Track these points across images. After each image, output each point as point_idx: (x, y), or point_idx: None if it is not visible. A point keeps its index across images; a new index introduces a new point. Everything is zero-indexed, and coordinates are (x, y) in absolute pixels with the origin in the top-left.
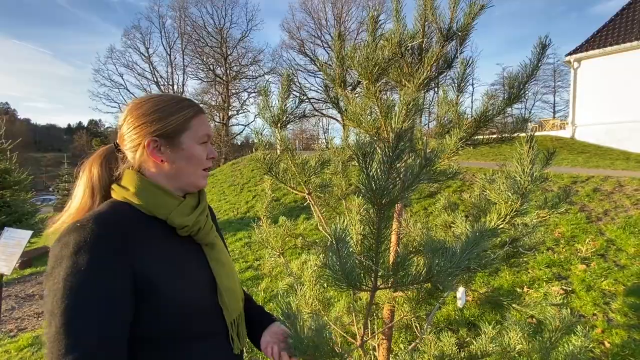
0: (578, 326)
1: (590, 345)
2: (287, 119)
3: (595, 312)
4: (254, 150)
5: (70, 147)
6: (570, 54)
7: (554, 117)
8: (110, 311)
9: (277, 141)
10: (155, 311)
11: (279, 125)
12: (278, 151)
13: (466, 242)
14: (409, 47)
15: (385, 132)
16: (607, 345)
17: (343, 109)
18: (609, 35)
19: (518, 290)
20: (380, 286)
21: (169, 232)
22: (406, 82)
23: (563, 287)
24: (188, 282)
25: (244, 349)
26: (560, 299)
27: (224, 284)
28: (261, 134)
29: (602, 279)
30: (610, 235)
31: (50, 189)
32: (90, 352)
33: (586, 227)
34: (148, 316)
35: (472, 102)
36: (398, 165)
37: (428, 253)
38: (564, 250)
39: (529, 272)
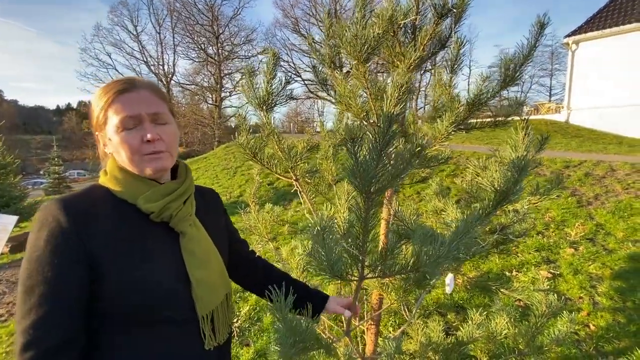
0: (564, 312)
1: (575, 329)
2: (274, 101)
3: (581, 295)
4: (236, 134)
5: (59, 129)
6: (568, 35)
7: (549, 101)
8: (61, 284)
9: (264, 124)
10: (109, 292)
11: (264, 107)
12: (262, 134)
13: (456, 231)
14: (401, 25)
15: (374, 115)
16: (592, 328)
17: (332, 91)
18: (609, 16)
19: (507, 274)
20: (368, 275)
21: (142, 218)
22: (398, 63)
23: (551, 270)
24: (146, 270)
25: (233, 335)
26: (547, 285)
27: (195, 275)
28: (244, 117)
29: (590, 262)
30: (600, 220)
31: (41, 172)
32: (42, 317)
33: (576, 211)
34: (102, 296)
35: (468, 84)
36: (388, 151)
37: (417, 241)
38: (553, 234)
39: (518, 256)
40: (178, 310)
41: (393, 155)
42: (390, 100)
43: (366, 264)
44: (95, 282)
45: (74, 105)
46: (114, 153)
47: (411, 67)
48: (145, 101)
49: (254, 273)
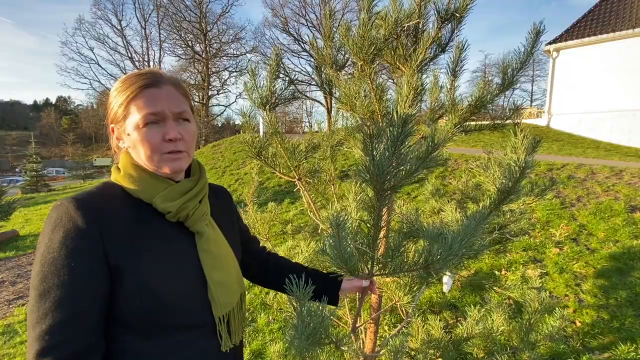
0: (557, 308)
1: (564, 325)
2: (276, 101)
3: (567, 293)
4: (241, 132)
5: (37, 125)
6: (550, 43)
7: (531, 106)
8: (79, 287)
9: (266, 123)
10: (125, 295)
11: (267, 107)
12: (263, 134)
13: (464, 230)
14: (404, 28)
15: (379, 115)
16: (578, 324)
17: (334, 92)
18: (587, 26)
19: (496, 272)
20: (376, 273)
21: (158, 217)
22: (400, 65)
23: (537, 269)
24: (165, 271)
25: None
26: (539, 283)
27: (212, 276)
28: (248, 116)
29: (574, 261)
30: (582, 221)
31: (17, 170)
32: (59, 322)
33: (560, 212)
34: (120, 299)
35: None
36: (402, 150)
37: (426, 240)
38: (539, 234)
39: (506, 256)
40: (196, 313)
41: (409, 154)
42: (406, 101)
43: (375, 261)
44: (114, 284)
45: (53, 100)
46: (130, 149)
47: (421, 68)
48: (170, 98)
49: (266, 270)
